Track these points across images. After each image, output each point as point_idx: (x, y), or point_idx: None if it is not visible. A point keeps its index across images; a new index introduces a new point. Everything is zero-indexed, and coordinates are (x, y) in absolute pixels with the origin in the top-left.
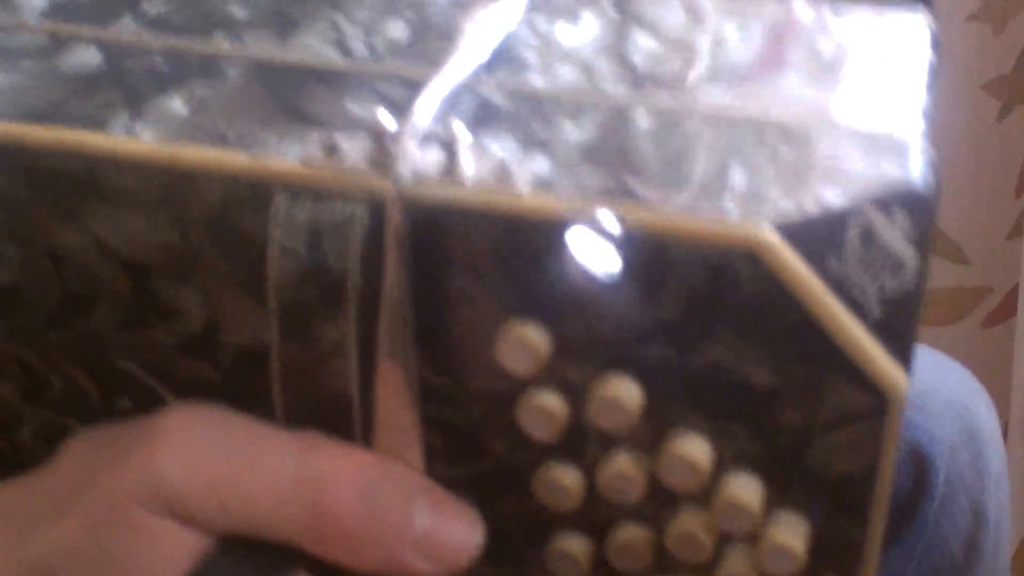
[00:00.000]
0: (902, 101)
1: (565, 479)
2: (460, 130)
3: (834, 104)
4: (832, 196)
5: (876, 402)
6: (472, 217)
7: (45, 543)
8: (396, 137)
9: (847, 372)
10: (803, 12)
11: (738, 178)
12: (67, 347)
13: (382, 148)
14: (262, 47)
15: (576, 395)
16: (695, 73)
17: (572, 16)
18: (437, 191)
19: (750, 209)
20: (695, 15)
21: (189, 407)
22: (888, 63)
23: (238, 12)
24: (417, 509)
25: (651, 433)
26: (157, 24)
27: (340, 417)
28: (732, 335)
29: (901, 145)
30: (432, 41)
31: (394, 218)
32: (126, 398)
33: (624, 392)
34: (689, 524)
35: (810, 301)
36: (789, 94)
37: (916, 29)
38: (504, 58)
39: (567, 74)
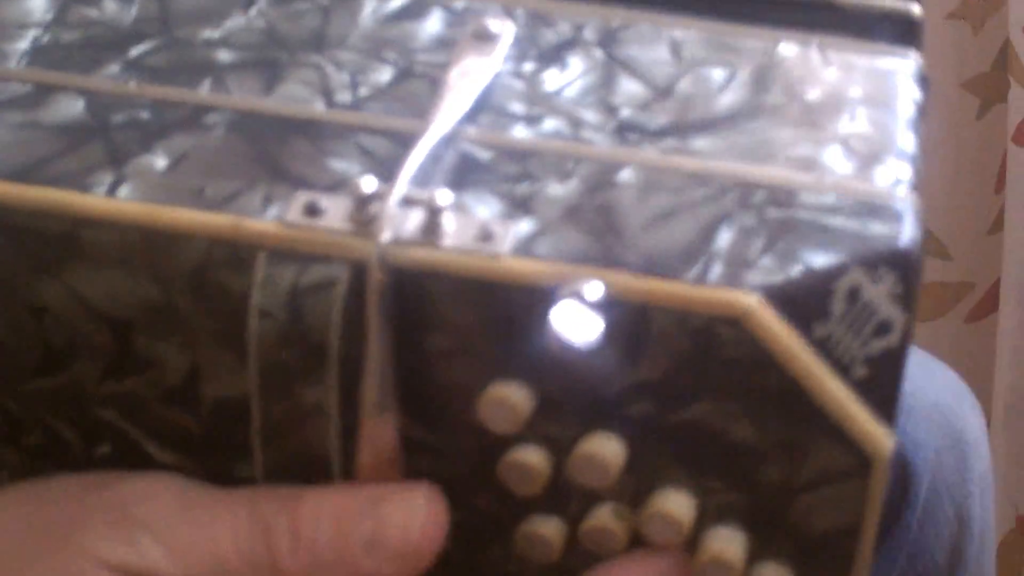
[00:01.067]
0: (889, 151)
1: (547, 531)
2: (442, 194)
3: (820, 157)
4: (818, 258)
5: (859, 462)
6: (454, 281)
7: None
8: (378, 200)
9: (830, 433)
10: (788, 52)
11: (724, 240)
12: (47, 397)
13: (364, 210)
14: (247, 96)
15: (559, 451)
16: (679, 123)
17: (558, 59)
18: (419, 255)
19: (735, 272)
20: (679, 57)
21: (144, 477)
22: (876, 107)
23: (224, 56)
24: (357, 518)
25: (634, 488)
26: (143, 69)
27: (320, 474)
28: (715, 396)
29: (887, 202)
30: (417, 86)
31: (376, 281)
32: (106, 445)
33: (606, 450)
34: None
35: (793, 364)
36: (775, 146)
37: (904, 67)
38: (489, 106)
39: (552, 126)
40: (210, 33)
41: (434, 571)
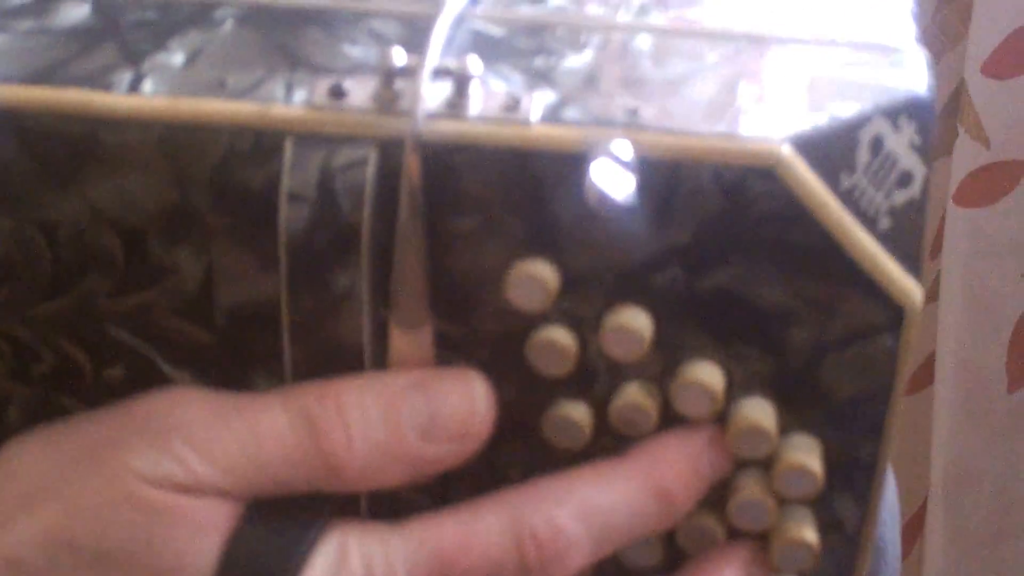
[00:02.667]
0: (894, 12)
1: (575, 415)
2: (473, 63)
3: (828, 16)
4: (841, 108)
5: (891, 315)
6: (483, 152)
7: (18, 535)
8: (406, 75)
9: (861, 285)
10: None
11: (746, 94)
12: (57, 318)
13: (389, 88)
14: None
15: (585, 329)
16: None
17: None
18: (449, 127)
19: (762, 123)
20: None
21: (169, 390)
22: None
23: None
24: (407, 403)
25: (662, 362)
26: None
27: (351, 368)
28: (744, 255)
29: (899, 53)
30: None
31: (409, 160)
32: (119, 368)
33: (635, 321)
34: None
35: (825, 216)
36: (783, 12)
37: None
38: None
39: (558, 3)
40: None
41: (455, 469)
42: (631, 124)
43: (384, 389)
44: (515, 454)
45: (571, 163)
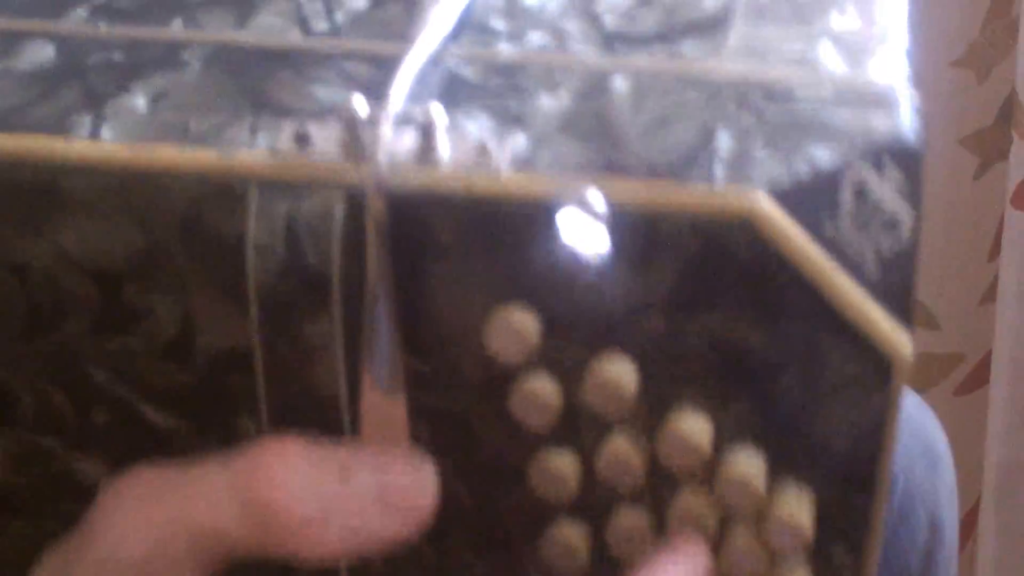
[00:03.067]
0: (882, 44)
1: (562, 466)
2: (436, 111)
3: (814, 54)
4: (823, 155)
5: (879, 366)
6: (453, 202)
7: None
8: (370, 123)
9: (848, 337)
10: None
11: (725, 141)
12: (37, 362)
13: (355, 135)
14: (220, 30)
15: (569, 378)
16: (666, 28)
17: None
18: (415, 177)
19: (740, 175)
20: None
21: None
22: (866, 0)
23: None
24: (357, 472)
25: (648, 413)
26: (111, 12)
27: (328, 416)
28: (727, 305)
29: (886, 94)
30: (393, 11)
31: (374, 207)
32: (102, 411)
33: (619, 372)
34: (691, 504)
35: (808, 267)
36: (766, 45)
37: None
38: (470, 25)
39: (536, 40)
40: None
41: (448, 516)
42: (604, 172)
43: (332, 457)
44: (507, 500)
45: (542, 212)
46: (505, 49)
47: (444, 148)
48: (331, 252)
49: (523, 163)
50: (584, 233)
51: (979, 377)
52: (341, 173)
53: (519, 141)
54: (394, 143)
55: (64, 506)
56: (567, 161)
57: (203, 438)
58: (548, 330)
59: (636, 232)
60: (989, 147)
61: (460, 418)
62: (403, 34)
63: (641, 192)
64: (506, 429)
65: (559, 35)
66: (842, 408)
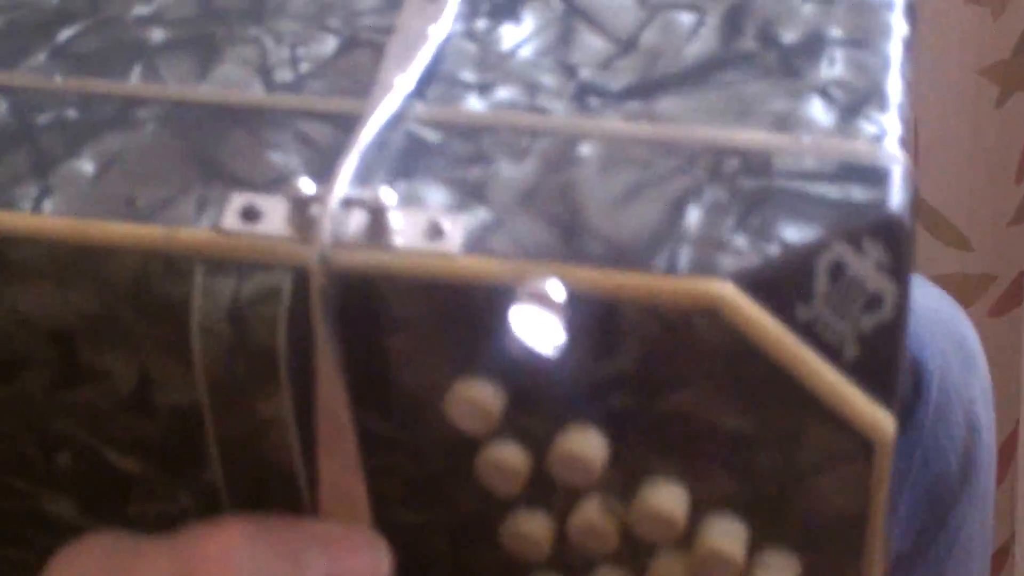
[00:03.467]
0: (873, 100)
1: (534, 529)
2: (385, 192)
3: (798, 111)
4: (796, 233)
5: (860, 447)
6: (405, 281)
7: None
8: (317, 201)
9: (825, 419)
10: None
11: (693, 218)
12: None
13: (303, 212)
14: (180, 83)
15: (537, 446)
16: (644, 81)
17: (513, 13)
18: (364, 257)
19: (707, 260)
20: (644, 2)
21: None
22: (859, 48)
23: (157, 35)
24: (309, 554)
25: (622, 480)
26: (70, 58)
27: (285, 487)
28: (697, 386)
29: (871, 162)
30: (361, 57)
31: (319, 287)
32: (67, 455)
33: (587, 445)
34: (670, 569)
35: (777, 352)
36: (748, 101)
37: (891, 1)
38: (438, 75)
39: (507, 94)
40: (142, 9)
41: (424, 569)
42: (564, 257)
43: (283, 537)
44: (482, 557)
45: (497, 296)
46: (472, 105)
47: (396, 224)
48: (277, 332)
49: (478, 244)
50: (540, 323)
51: (1013, 297)
52: (288, 251)
53: (476, 218)
54: (344, 220)
55: (38, 539)
56: (526, 241)
57: (170, 482)
58: (513, 403)
59: (596, 318)
60: (1008, 78)
61: (431, 480)
62: (368, 85)
63: (601, 280)
64: (476, 492)
65: (531, 89)
66: (825, 484)
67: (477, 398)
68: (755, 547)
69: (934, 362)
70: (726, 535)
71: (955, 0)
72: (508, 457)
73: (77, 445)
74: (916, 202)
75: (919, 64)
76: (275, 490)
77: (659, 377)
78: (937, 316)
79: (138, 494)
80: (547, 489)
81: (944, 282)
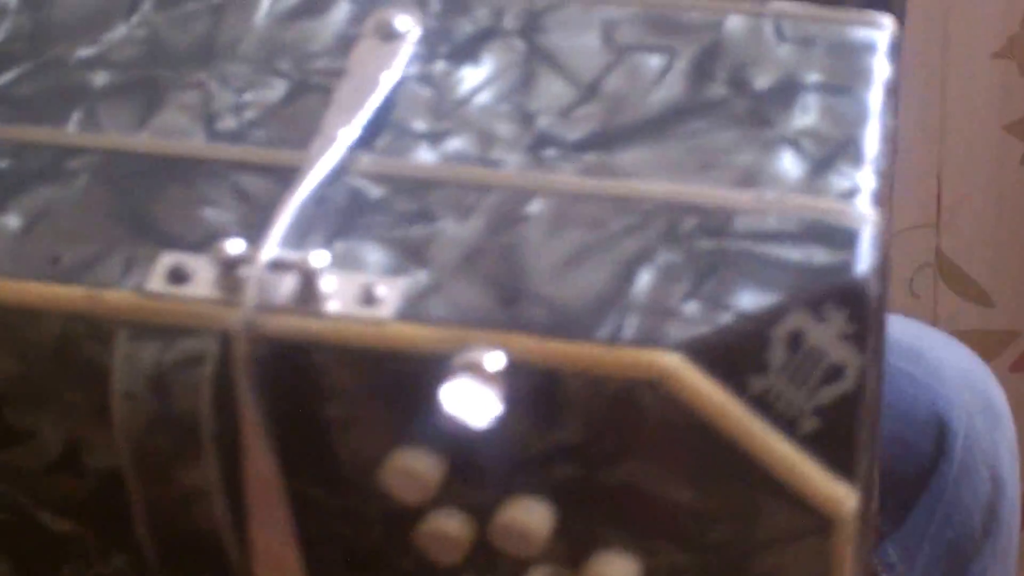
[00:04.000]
0: (847, 151)
1: None
2: (316, 256)
3: (765, 164)
4: (752, 300)
5: (818, 522)
6: (336, 349)
7: None
8: (245, 264)
9: (779, 493)
10: (736, 27)
11: (643, 283)
12: None
13: (231, 274)
14: (119, 130)
15: (480, 516)
16: (604, 131)
17: (473, 56)
18: (293, 323)
19: (654, 325)
20: (611, 42)
21: None
22: (835, 95)
23: (100, 78)
24: None
25: (570, 551)
26: (9, 102)
27: (215, 555)
28: (644, 458)
29: (838, 222)
30: (310, 103)
31: (243, 354)
32: (2, 513)
33: (530, 517)
34: None
35: (726, 425)
36: (714, 153)
37: (874, 40)
38: (389, 122)
39: (459, 145)
40: (86, 51)
41: None
42: (502, 322)
43: None
44: None
45: (432, 366)
46: (421, 157)
47: (329, 288)
48: (200, 400)
49: (414, 310)
50: (475, 392)
51: None
52: (213, 316)
53: (415, 281)
54: (274, 284)
55: None
56: (465, 307)
57: (103, 545)
58: (453, 473)
59: (537, 389)
60: None
61: (371, 549)
62: (313, 134)
63: (541, 349)
64: (418, 562)
65: (485, 139)
66: (784, 560)
67: (415, 469)
68: None
69: (959, 420)
70: None
71: (981, 54)
72: (449, 527)
73: (9, 506)
74: (886, 265)
75: (944, 120)
76: (205, 558)
77: (605, 449)
78: (963, 374)
79: (72, 556)
80: (492, 559)
81: (965, 338)
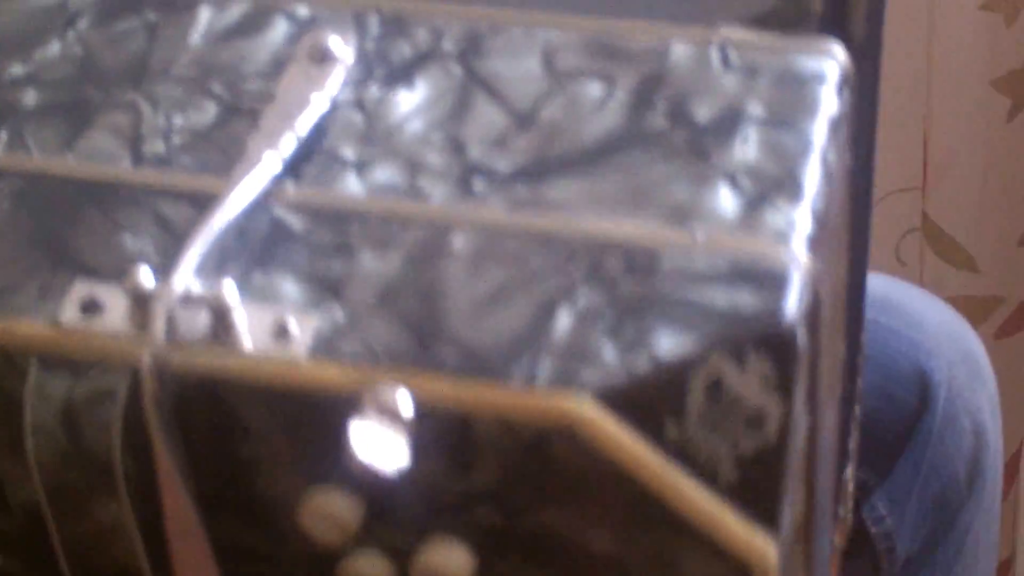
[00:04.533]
0: (784, 189)
1: None
2: (228, 290)
3: (700, 199)
4: (672, 345)
5: (737, 572)
6: (248, 387)
7: None
8: (156, 296)
9: (697, 543)
10: (681, 55)
11: (562, 324)
12: None
13: (143, 307)
14: (44, 152)
15: (401, 558)
16: (538, 161)
17: (408, 81)
18: (202, 360)
19: (569, 370)
20: (552, 68)
21: None
22: (777, 128)
23: (30, 98)
24: None
25: None
26: None
27: None
28: (560, 505)
29: (768, 264)
30: (239, 127)
31: (152, 391)
32: None
33: (450, 559)
34: None
35: (643, 474)
36: (647, 188)
37: (823, 70)
38: (317, 149)
39: (386, 175)
40: (18, 69)
41: None
42: (415, 363)
43: None
44: None
45: (342, 406)
46: (347, 187)
47: (241, 323)
48: (111, 437)
49: (326, 348)
50: (385, 433)
51: (1020, 319)
52: (123, 350)
53: (329, 318)
54: (186, 319)
55: None
56: (378, 346)
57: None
58: (371, 514)
59: (449, 432)
60: (1020, 90)
61: None
62: (240, 158)
63: (453, 391)
64: None
65: (413, 168)
66: None
67: (332, 510)
68: None
69: (941, 372)
70: None
71: (968, 7)
72: (369, 570)
73: None
74: (817, 309)
75: (930, 76)
76: None
77: (521, 495)
78: (944, 328)
79: None
80: None
81: (951, 304)
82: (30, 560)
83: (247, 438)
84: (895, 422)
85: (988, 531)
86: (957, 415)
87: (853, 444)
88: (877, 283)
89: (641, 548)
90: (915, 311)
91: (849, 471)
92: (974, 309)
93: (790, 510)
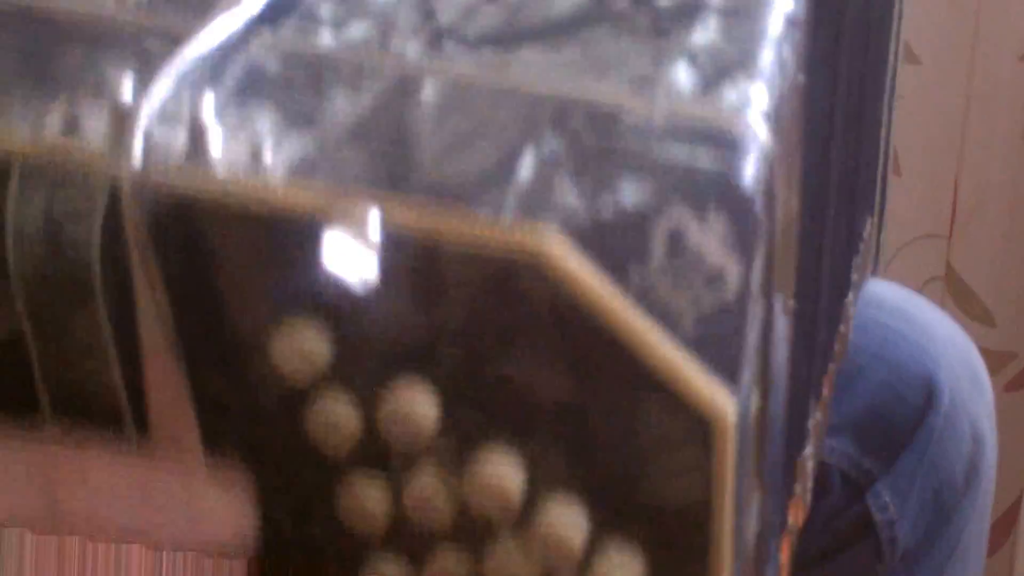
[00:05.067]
0: (743, 68)
1: (369, 496)
2: (207, 106)
3: (660, 72)
4: (633, 194)
5: (697, 427)
6: (221, 207)
7: None
8: (133, 113)
9: (658, 393)
10: None
11: (528, 166)
12: None
13: (124, 124)
14: None
15: (368, 402)
16: (505, 30)
17: None
18: (180, 177)
19: (535, 206)
20: None
21: None
22: (737, 17)
23: None
24: None
25: (455, 449)
26: None
27: (109, 409)
28: (524, 348)
29: (728, 128)
30: None
31: (130, 208)
32: None
33: (415, 402)
34: (507, 554)
35: (607, 315)
36: (610, 60)
37: None
38: (295, 9)
39: (359, 32)
40: None
41: (265, 547)
42: (384, 191)
43: None
44: (320, 532)
45: (312, 227)
46: (322, 40)
47: (216, 148)
48: (91, 248)
49: (300, 172)
50: (356, 253)
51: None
52: (104, 166)
53: (302, 146)
54: (165, 138)
55: None
56: (350, 174)
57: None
58: (340, 349)
59: (416, 259)
60: None
61: (259, 444)
62: (222, 6)
63: (421, 219)
64: (307, 454)
65: (385, 27)
66: (666, 467)
67: (302, 342)
68: (596, 537)
69: (946, 378)
70: (565, 519)
71: (1008, 58)
72: (337, 411)
73: None
74: (772, 185)
75: (968, 123)
76: (99, 413)
77: (486, 335)
78: (950, 340)
79: None
80: (382, 456)
81: None
82: (6, 388)
83: (222, 263)
84: (902, 417)
85: (980, 535)
86: (958, 419)
87: (814, 424)
88: (894, 292)
89: (600, 397)
90: (926, 322)
91: (809, 450)
92: (986, 361)
93: (750, 383)
